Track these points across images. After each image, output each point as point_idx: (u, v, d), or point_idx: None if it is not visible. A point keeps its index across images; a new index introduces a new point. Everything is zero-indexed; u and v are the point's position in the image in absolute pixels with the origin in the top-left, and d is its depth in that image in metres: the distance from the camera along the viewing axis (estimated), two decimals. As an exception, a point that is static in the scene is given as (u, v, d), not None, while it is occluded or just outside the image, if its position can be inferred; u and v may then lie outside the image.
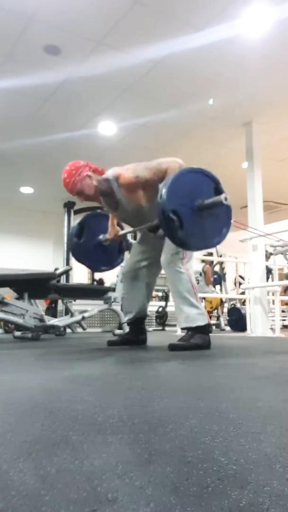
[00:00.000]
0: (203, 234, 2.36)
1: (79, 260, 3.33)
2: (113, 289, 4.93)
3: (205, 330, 2.65)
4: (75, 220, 8.83)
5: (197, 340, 2.59)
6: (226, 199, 2.26)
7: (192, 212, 2.27)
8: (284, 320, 8.26)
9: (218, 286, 8.32)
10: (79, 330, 6.04)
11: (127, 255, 3.45)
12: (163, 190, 2.24)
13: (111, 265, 3.41)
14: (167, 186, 2.24)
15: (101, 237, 3.17)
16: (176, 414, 0.90)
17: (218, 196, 2.29)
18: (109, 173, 2.65)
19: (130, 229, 3.01)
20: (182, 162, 2.54)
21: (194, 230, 2.29)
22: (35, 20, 3.65)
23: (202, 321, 2.62)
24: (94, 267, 3.44)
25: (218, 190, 2.38)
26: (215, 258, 8.17)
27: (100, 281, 9.91)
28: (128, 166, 2.62)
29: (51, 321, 4.72)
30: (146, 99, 5.00)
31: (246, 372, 1.70)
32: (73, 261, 8.77)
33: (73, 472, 0.58)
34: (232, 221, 2.46)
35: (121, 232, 3.06)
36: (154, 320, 7.78)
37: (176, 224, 2.20)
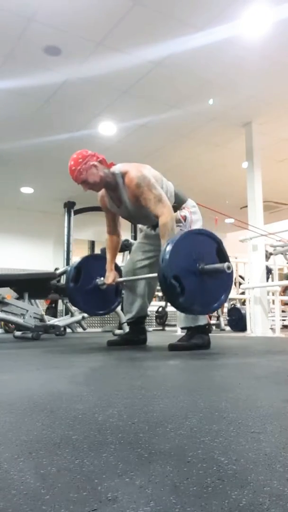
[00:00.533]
0: (204, 299, 2.32)
1: (74, 304, 3.29)
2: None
3: (205, 330, 2.66)
4: (75, 220, 8.85)
5: (197, 340, 2.59)
6: (228, 268, 2.22)
7: (194, 276, 2.24)
8: (284, 320, 8.26)
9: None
10: (79, 330, 6.05)
11: (127, 255, 3.43)
12: (164, 254, 2.20)
13: (107, 309, 3.34)
14: (169, 251, 2.21)
15: (98, 280, 3.11)
16: (176, 414, 0.90)
17: (221, 264, 2.25)
18: (117, 167, 2.64)
19: (127, 278, 2.96)
20: (173, 214, 2.52)
21: (195, 296, 2.26)
22: (35, 20, 3.65)
23: (202, 321, 2.62)
24: (90, 312, 3.36)
25: (221, 251, 2.36)
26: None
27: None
28: (138, 168, 2.58)
29: (51, 321, 4.72)
30: (146, 100, 5.00)
31: (246, 372, 1.70)
32: (73, 261, 8.78)
33: (73, 471, 0.58)
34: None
35: (119, 280, 2.97)
36: (154, 320, 7.77)
37: (178, 290, 2.17)
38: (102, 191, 2.77)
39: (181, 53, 4.12)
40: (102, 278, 3.06)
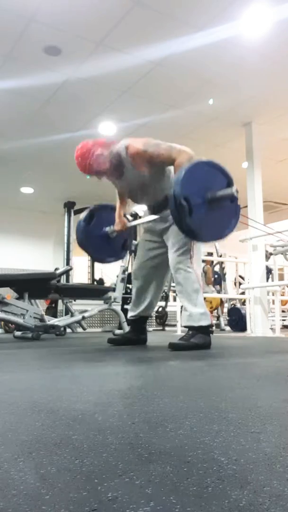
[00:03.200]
0: (213, 226, 2.40)
1: (83, 246, 3.26)
2: (113, 289, 4.92)
3: (206, 330, 2.66)
4: (75, 220, 8.84)
5: (197, 339, 2.59)
6: (237, 191, 2.29)
7: (203, 203, 2.32)
8: (284, 320, 8.26)
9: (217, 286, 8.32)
10: (79, 330, 6.04)
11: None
12: (176, 177, 2.28)
13: (115, 257, 3.37)
14: (181, 174, 2.28)
15: (107, 229, 3.15)
16: (176, 414, 0.90)
17: (229, 188, 2.33)
18: (121, 143, 2.71)
19: (137, 221, 3.00)
20: (193, 153, 2.57)
21: (203, 221, 2.33)
22: (35, 20, 3.65)
23: (204, 321, 2.62)
24: (97, 256, 3.38)
25: (229, 185, 2.42)
26: (215, 258, 8.18)
27: (100, 281, 9.92)
28: (140, 139, 2.68)
29: (51, 321, 4.72)
30: (146, 100, 5.00)
31: (246, 371, 1.70)
32: (73, 261, 8.80)
33: (73, 471, 0.58)
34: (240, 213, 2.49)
35: (129, 224, 3.03)
36: (154, 320, 7.78)
37: (186, 210, 2.23)
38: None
39: (181, 53, 4.12)
40: (112, 227, 3.11)
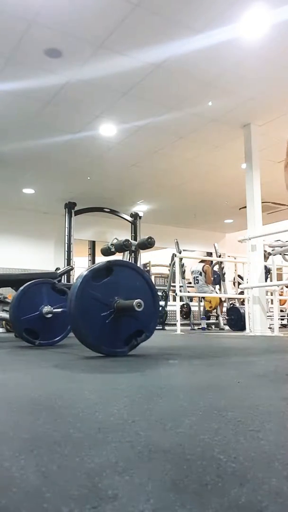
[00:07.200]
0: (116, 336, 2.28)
1: (19, 336, 3.24)
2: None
3: None
4: (76, 220, 8.85)
5: None
6: (139, 306, 2.13)
7: (109, 314, 2.23)
8: (283, 319, 8.28)
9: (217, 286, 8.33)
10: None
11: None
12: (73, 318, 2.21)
13: (47, 340, 3.26)
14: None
15: (44, 310, 3.15)
16: (175, 412, 0.90)
17: (131, 301, 2.16)
18: None
19: None
20: None
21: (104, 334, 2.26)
22: (36, 23, 3.65)
23: None
24: (31, 342, 3.25)
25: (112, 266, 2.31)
26: (214, 258, 8.18)
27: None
28: None
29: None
30: (146, 102, 5.00)
31: (245, 370, 1.71)
32: (74, 261, 8.80)
33: (74, 469, 0.58)
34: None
35: None
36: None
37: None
38: None
39: (180, 56, 4.12)
40: (49, 306, 3.13)
